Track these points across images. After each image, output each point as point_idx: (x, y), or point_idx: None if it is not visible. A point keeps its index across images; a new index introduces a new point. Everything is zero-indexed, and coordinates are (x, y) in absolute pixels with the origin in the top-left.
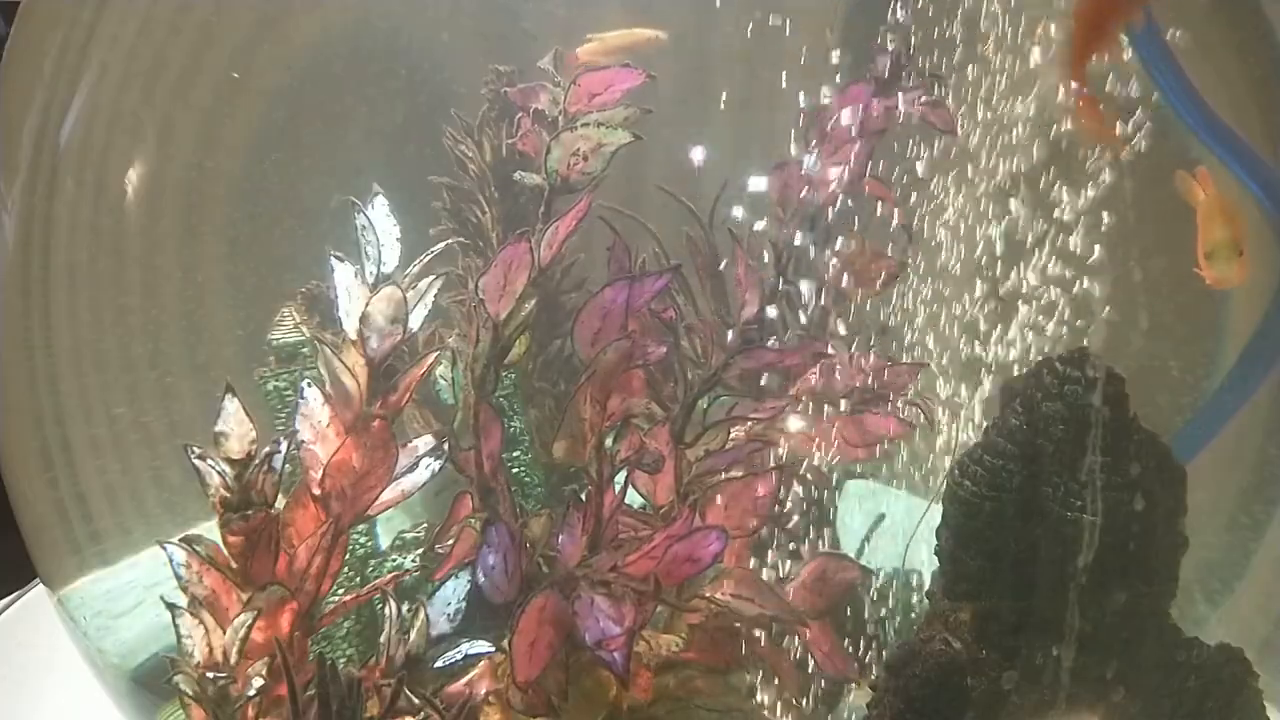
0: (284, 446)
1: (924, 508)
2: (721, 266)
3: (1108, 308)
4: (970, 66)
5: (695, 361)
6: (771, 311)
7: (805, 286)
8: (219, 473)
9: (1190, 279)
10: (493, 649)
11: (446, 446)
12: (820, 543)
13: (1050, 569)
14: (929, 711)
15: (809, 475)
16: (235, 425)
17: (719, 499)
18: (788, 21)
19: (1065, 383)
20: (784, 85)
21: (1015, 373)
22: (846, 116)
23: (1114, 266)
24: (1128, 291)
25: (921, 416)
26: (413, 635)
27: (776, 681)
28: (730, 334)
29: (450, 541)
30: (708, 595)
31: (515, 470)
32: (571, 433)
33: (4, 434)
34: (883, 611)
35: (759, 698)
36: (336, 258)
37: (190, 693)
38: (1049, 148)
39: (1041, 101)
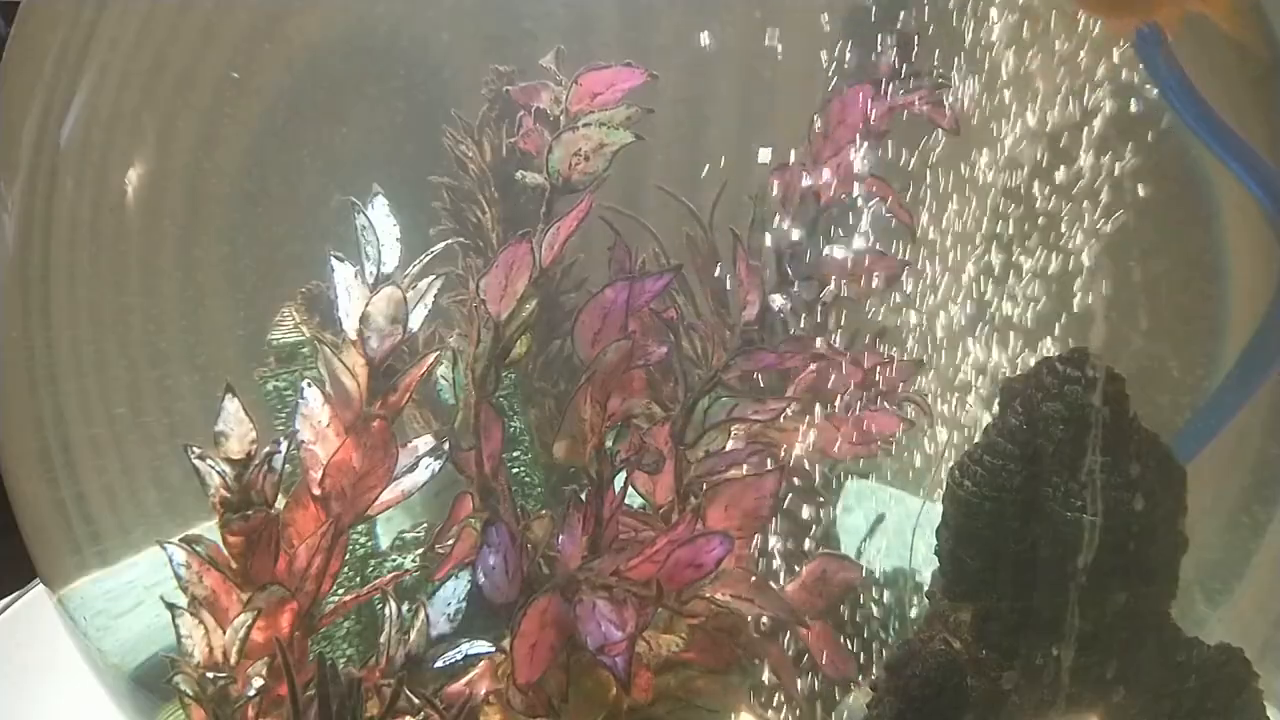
0: (284, 446)
1: (926, 508)
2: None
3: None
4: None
5: (695, 362)
6: (778, 301)
7: (807, 287)
8: (219, 473)
9: (1190, 279)
10: (493, 649)
11: (446, 446)
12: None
13: (1050, 569)
14: (929, 711)
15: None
16: (235, 425)
17: (720, 500)
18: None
19: (1065, 383)
20: (786, 85)
21: None
22: (849, 117)
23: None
24: (1128, 292)
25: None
26: (413, 635)
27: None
28: (730, 334)
29: (450, 541)
30: (708, 596)
31: (515, 470)
32: (572, 433)
33: (4, 434)
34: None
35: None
36: (336, 258)
37: (190, 693)
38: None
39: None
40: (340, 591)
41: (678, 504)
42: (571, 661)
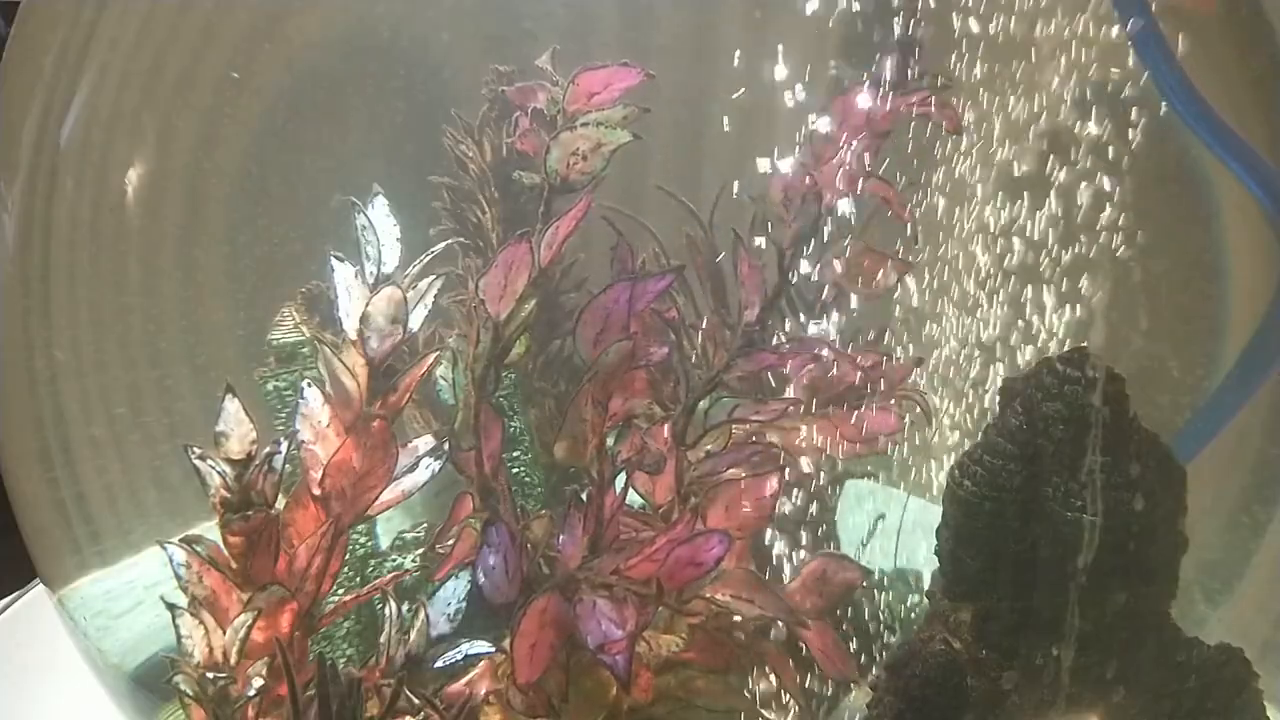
0: (284, 446)
1: (931, 509)
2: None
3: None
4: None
5: (696, 362)
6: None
7: (809, 288)
8: (219, 473)
9: (1190, 279)
10: (493, 649)
11: (446, 446)
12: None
13: (1050, 569)
14: (929, 711)
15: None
16: (235, 425)
17: (720, 500)
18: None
19: (1065, 383)
20: (786, 86)
21: None
22: (850, 118)
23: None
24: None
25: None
26: (413, 635)
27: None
28: (730, 334)
29: (450, 541)
30: (708, 596)
31: (515, 470)
32: (572, 433)
33: (4, 434)
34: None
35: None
36: (336, 258)
37: (190, 693)
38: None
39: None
40: (340, 591)
41: (678, 504)
42: (571, 661)
